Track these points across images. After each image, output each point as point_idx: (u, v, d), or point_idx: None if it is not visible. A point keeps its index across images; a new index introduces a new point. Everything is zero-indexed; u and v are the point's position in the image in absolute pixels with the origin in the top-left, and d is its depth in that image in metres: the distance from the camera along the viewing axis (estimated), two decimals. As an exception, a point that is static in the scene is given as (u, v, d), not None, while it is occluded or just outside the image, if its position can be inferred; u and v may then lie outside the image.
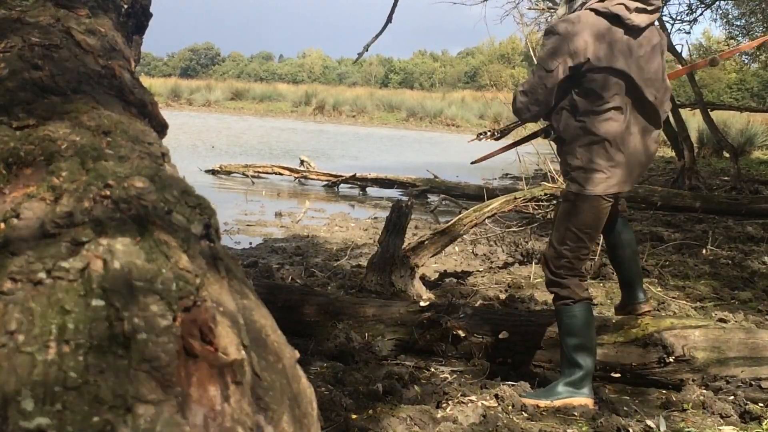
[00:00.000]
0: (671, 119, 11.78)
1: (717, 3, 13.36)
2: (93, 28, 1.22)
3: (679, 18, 13.36)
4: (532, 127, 4.06)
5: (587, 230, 2.97)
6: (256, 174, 11.19)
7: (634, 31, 2.91)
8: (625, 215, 3.28)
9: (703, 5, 13.23)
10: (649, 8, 2.91)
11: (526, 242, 6.32)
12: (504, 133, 3.45)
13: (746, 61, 19.62)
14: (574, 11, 2.95)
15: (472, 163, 3.86)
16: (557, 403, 2.86)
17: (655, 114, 3.00)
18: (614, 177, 2.92)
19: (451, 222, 4.96)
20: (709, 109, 12.34)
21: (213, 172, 11.39)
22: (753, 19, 15.28)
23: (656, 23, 3.07)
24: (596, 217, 2.97)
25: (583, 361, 2.92)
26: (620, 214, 3.21)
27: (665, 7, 13.57)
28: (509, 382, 3.00)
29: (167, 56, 72.14)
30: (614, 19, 2.88)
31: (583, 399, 2.88)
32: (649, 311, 3.19)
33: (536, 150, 6.93)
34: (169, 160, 0.95)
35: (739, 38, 16.05)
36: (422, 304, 3.55)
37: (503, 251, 6.05)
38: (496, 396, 2.86)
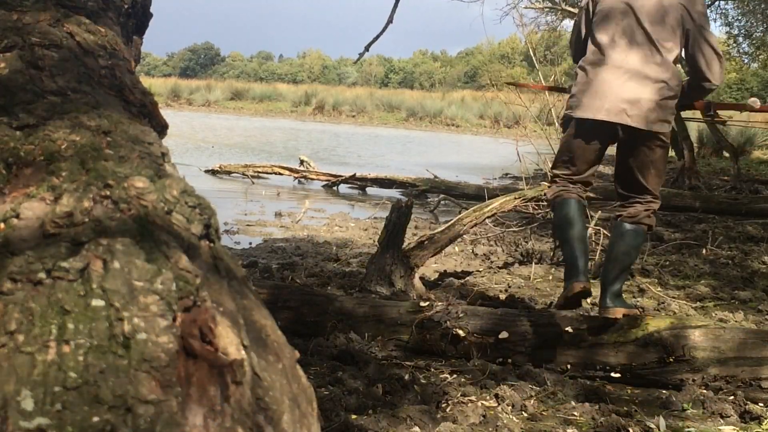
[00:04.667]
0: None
1: (717, 3, 13.35)
2: (93, 28, 1.22)
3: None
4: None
5: (564, 148, 3.34)
6: (256, 174, 11.18)
7: None
8: (637, 223, 3.27)
9: (702, 5, 13.22)
10: None
11: (526, 242, 6.32)
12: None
13: (746, 61, 19.63)
14: None
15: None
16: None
17: (653, 53, 3.13)
18: (582, 100, 3.18)
19: (451, 222, 4.96)
20: (708, 109, 12.32)
21: (213, 172, 11.38)
22: (753, 19, 15.28)
23: None
24: (570, 137, 3.28)
25: (564, 253, 3.30)
26: (634, 219, 3.25)
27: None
28: (509, 382, 3.00)
29: (167, 56, 72.14)
30: None
31: (570, 287, 3.17)
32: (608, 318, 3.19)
33: (536, 150, 6.94)
34: (169, 160, 0.95)
35: (740, 38, 16.06)
36: (422, 304, 3.55)
37: (503, 251, 6.05)
38: (496, 396, 2.86)
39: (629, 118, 3.11)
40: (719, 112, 3.74)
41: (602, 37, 3.20)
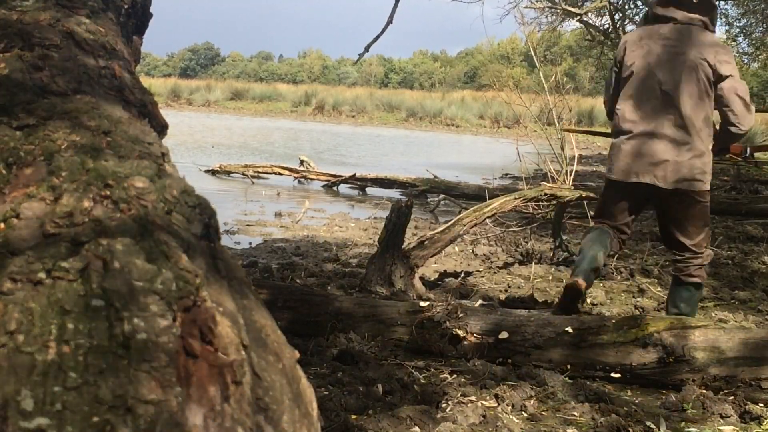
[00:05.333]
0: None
1: (717, 3, 13.35)
2: (93, 28, 1.22)
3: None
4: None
5: (601, 202, 3.67)
6: (256, 174, 11.18)
7: (662, 21, 3.33)
8: (680, 282, 3.57)
9: (702, 5, 13.21)
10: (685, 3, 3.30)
11: (526, 242, 6.32)
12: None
13: (746, 61, 19.64)
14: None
15: None
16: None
17: (675, 116, 3.31)
18: (615, 165, 3.46)
19: (451, 222, 4.96)
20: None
21: (213, 172, 11.38)
22: (753, 19, 15.28)
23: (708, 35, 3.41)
24: (607, 194, 3.60)
25: (576, 260, 3.57)
26: (679, 276, 3.55)
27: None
28: (509, 382, 3.01)
29: (167, 56, 72.15)
30: (649, 16, 3.43)
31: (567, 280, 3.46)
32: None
33: (536, 150, 6.94)
34: (169, 160, 0.95)
35: (739, 38, 16.06)
36: (422, 304, 3.54)
37: (503, 251, 6.05)
38: (496, 396, 2.86)
39: (656, 179, 3.37)
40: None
41: (627, 102, 3.44)
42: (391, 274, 4.28)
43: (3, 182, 0.81)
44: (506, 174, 13.21)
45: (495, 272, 5.33)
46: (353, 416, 2.58)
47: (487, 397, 2.87)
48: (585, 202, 6.14)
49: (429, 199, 9.76)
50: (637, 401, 2.93)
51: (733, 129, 3.36)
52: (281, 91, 39.02)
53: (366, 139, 22.40)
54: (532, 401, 2.85)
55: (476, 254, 5.92)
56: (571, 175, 5.94)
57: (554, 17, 13.57)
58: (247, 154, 14.79)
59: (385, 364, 3.18)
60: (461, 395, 2.87)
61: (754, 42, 16.15)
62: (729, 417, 2.75)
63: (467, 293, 4.55)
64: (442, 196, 9.35)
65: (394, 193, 10.02)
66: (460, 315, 3.37)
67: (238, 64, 69.58)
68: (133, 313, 0.63)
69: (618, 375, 3.12)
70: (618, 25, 12.09)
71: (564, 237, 5.84)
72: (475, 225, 5.21)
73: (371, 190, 10.57)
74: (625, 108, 3.45)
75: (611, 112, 3.61)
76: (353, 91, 39.99)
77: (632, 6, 12.63)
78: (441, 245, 4.76)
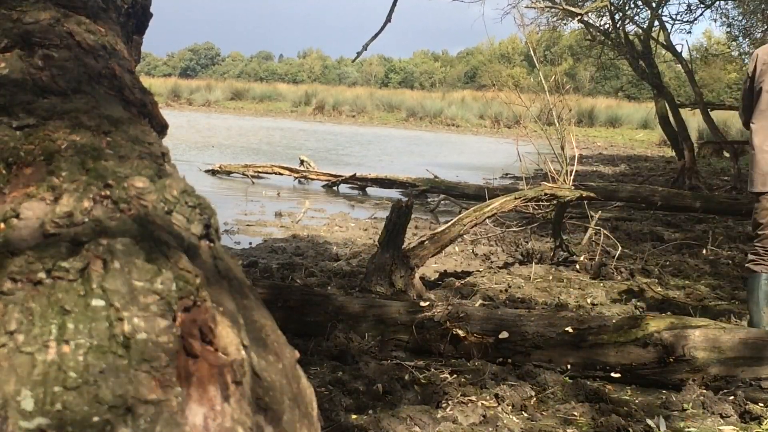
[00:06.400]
0: (671, 119, 11.78)
1: (717, 3, 13.35)
2: (93, 28, 1.22)
3: (679, 18, 13.36)
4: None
5: (752, 223, 3.80)
6: (256, 174, 11.18)
7: None
8: None
9: (702, 5, 13.22)
10: None
11: (526, 242, 6.32)
12: None
13: (746, 61, 19.64)
14: None
15: None
16: None
17: None
18: (753, 177, 3.65)
19: (451, 222, 4.96)
20: (709, 109, 12.34)
21: (213, 172, 11.38)
22: (753, 19, 15.29)
23: None
24: (752, 211, 3.77)
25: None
26: None
27: (665, 7, 13.55)
28: (509, 382, 3.01)
29: (167, 56, 72.17)
30: None
31: None
32: None
33: (536, 150, 6.93)
34: (169, 160, 0.94)
35: (740, 38, 16.07)
36: (422, 304, 3.54)
37: (503, 251, 6.05)
38: (496, 396, 2.86)
39: None
40: None
41: (758, 117, 3.65)
42: (391, 274, 4.28)
43: (3, 182, 0.81)
44: (506, 174, 13.21)
45: (495, 272, 5.33)
46: (353, 416, 2.58)
47: (487, 397, 2.87)
48: (585, 202, 6.14)
49: (429, 199, 9.76)
50: (637, 401, 2.93)
51: None
52: (281, 91, 39.03)
53: (366, 139, 22.40)
54: (532, 401, 2.85)
55: (476, 254, 5.92)
56: (571, 175, 5.94)
57: (554, 17, 13.57)
58: (247, 154, 14.79)
59: (385, 364, 3.18)
60: (461, 395, 2.87)
61: (754, 43, 16.15)
62: (729, 417, 2.75)
63: (467, 293, 4.55)
64: (442, 196, 9.35)
65: (395, 193, 10.02)
66: (461, 315, 3.37)
67: (238, 64, 69.63)
68: (133, 313, 0.63)
69: (618, 375, 3.12)
70: (618, 25, 12.08)
71: (564, 237, 5.84)
72: (476, 225, 5.21)
73: (371, 190, 10.57)
74: (752, 119, 3.68)
75: (746, 123, 3.84)
76: (353, 91, 39.98)
77: (632, 6, 12.63)
78: (441, 245, 4.76)
